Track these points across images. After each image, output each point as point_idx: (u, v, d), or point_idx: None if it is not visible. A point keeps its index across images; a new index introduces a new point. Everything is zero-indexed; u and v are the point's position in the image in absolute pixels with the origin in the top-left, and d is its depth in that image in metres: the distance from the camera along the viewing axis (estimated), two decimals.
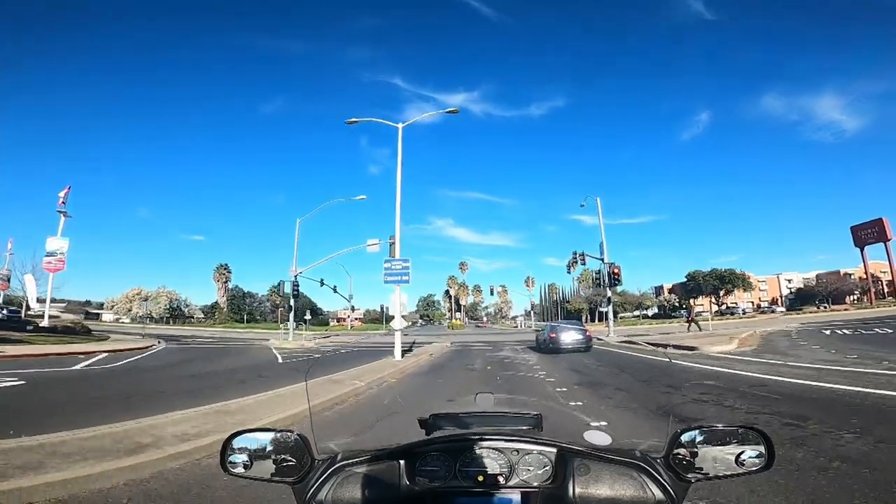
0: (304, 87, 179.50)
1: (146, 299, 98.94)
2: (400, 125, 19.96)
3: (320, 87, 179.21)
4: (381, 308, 77.46)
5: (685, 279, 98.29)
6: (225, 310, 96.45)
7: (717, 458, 1.23)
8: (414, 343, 30.53)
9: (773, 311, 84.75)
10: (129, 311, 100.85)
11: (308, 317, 65.74)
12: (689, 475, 1.22)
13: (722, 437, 1.26)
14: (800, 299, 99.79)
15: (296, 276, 34.04)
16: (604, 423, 6.07)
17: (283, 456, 1.28)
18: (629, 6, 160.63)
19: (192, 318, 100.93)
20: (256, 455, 1.30)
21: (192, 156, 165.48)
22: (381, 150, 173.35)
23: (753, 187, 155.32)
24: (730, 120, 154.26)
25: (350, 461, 1.28)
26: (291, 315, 34.18)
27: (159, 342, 28.80)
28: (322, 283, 64.74)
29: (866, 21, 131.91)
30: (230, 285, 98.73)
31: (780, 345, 17.41)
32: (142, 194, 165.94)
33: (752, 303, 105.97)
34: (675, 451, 1.24)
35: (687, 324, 31.19)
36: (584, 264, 35.46)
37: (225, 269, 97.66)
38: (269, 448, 1.30)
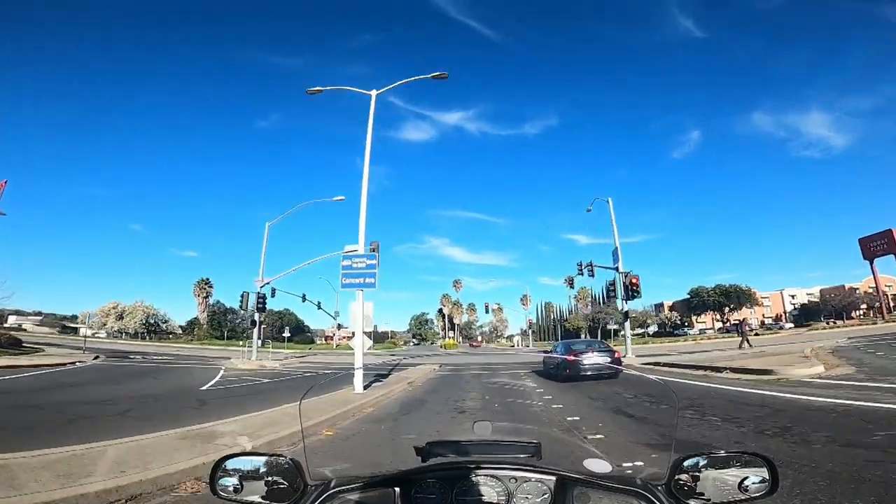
0: (298, 102, 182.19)
1: (122, 315, 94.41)
2: (373, 92, 16.15)
3: (315, 103, 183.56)
4: (374, 327, 72.48)
5: (688, 296, 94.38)
6: (205, 326, 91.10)
7: (720, 484, 1.21)
8: (397, 365, 26.03)
9: (780, 328, 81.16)
10: (104, 325, 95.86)
11: (287, 334, 61.16)
12: (691, 502, 1.18)
13: (724, 463, 1.23)
14: (804, 315, 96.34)
15: (262, 287, 29.50)
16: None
17: (275, 479, 1.26)
18: (621, 26, 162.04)
19: (171, 334, 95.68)
20: (248, 478, 1.26)
21: (186, 171, 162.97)
22: (379, 168, 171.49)
23: (747, 205, 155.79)
24: (720, 137, 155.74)
25: (344, 487, 1.25)
26: (256, 332, 29.55)
27: (96, 357, 25.78)
28: (304, 299, 60.14)
29: (855, 37, 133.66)
30: (211, 301, 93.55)
31: (880, 363, 13.06)
32: (134, 209, 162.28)
33: (755, 319, 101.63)
34: (677, 477, 1.21)
35: (740, 340, 26.98)
36: (591, 275, 31.21)
37: (206, 283, 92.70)
38: (261, 471, 1.27)
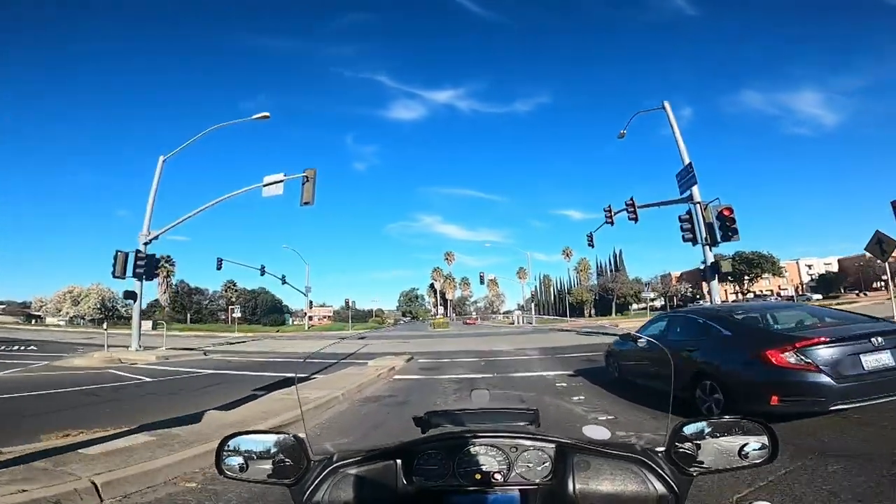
0: (286, 83, 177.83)
1: (78, 300, 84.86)
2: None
3: (303, 83, 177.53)
4: (347, 303, 62.98)
5: (702, 263, 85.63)
6: (166, 308, 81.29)
7: (720, 450, 1.21)
8: (353, 354, 16.81)
9: (807, 299, 73.47)
10: (59, 311, 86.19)
11: (237, 314, 51.40)
12: (692, 468, 1.19)
13: (724, 429, 1.23)
14: (823, 286, 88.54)
15: (147, 244, 19.66)
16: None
17: (279, 457, 1.26)
18: (613, 4, 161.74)
19: (130, 318, 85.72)
20: (252, 457, 1.27)
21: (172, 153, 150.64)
22: (366, 148, 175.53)
23: (741, 178, 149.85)
24: (711, 115, 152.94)
25: (346, 461, 1.26)
26: (136, 309, 19.93)
27: None
28: (263, 272, 50.38)
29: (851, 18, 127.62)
30: (174, 280, 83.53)
31: None
32: (122, 195, 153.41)
33: (772, 290, 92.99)
34: (677, 444, 1.21)
35: None
36: (634, 219, 21.63)
37: (167, 261, 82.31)
38: (265, 450, 1.27)
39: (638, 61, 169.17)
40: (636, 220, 21.90)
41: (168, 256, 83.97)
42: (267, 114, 20.88)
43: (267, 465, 1.26)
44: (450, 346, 21.96)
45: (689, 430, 1.23)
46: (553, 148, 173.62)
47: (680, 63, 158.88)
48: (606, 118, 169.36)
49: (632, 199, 22.86)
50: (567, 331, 30.16)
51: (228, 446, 1.29)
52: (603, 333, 25.57)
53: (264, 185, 19.86)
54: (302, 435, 1.30)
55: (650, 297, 38.53)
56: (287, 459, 1.25)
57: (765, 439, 1.21)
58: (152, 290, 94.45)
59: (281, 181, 19.63)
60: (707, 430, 1.22)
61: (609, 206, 26.53)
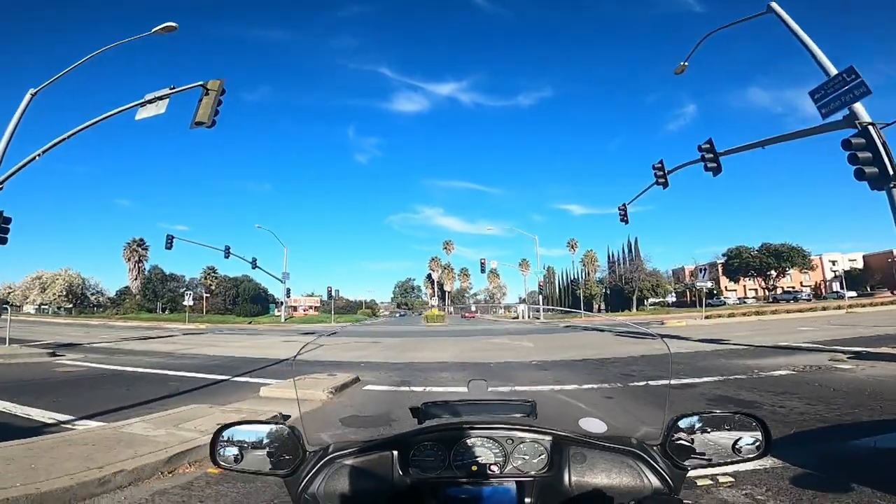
0: (288, 76, 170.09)
1: (45, 288, 78.29)
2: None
3: (305, 76, 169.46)
4: (329, 292, 55.66)
5: (723, 257, 78.12)
6: (137, 296, 74.31)
7: (714, 445, 1.20)
8: (250, 371, 9.49)
9: (840, 297, 66.48)
10: (26, 299, 79.61)
11: (187, 303, 44.03)
12: (686, 462, 1.18)
13: (719, 423, 1.23)
14: (848, 283, 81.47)
15: None
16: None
17: (274, 448, 1.24)
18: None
19: (99, 307, 79.30)
20: (247, 447, 1.24)
21: (173, 146, 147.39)
22: (368, 140, 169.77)
23: (752, 176, 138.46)
24: (716, 111, 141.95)
25: (342, 452, 1.24)
26: None
27: None
28: (228, 254, 43.36)
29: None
30: (146, 266, 76.46)
31: None
32: (122, 184, 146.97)
33: (793, 287, 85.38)
34: (672, 438, 1.21)
35: None
36: (715, 168, 14.50)
37: (139, 244, 75.55)
38: (260, 440, 1.25)
39: (642, 57, 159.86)
40: (718, 169, 14.67)
41: (141, 239, 77.19)
42: (174, 24, 13.72)
43: (262, 456, 1.23)
44: (435, 353, 14.76)
45: (685, 423, 1.22)
46: (555, 142, 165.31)
47: (684, 58, 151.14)
48: (609, 113, 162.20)
49: (709, 141, 15.67)
50: (596, 329, 23.02)
51: (223, 437, 1.26)
52: (650, 335, 18.39)
53: (142, 105, 12.65)
54: (297, 425, 1.27)
55: (707, 286, 31.20)
56: (282, 450, 1.23)
57: (758, 434, 1.20)
58: (122, 277, 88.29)
59: (166, 95, 12.43)
60: (701, 423, 1.22)
61: (661, 162, 19.45)
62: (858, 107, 10.46)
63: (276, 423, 1.29)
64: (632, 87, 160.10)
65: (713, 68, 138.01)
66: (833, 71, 11.44)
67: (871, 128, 10.34)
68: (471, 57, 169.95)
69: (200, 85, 12.27)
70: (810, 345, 12.42)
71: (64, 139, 13.43)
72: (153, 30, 14.21)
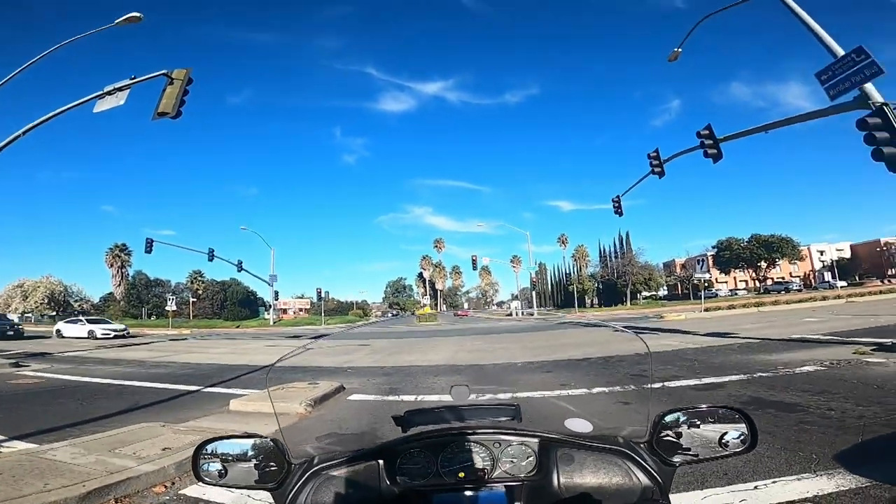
0: (273, 77, 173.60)
1: (27, 295, 76.53)
2: None
3: (291, 76, 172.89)
4: (319, 293, 54.42)
5: (714, 248, 78.01)
6: (121, 302, 72.49)
7: (701, 440, 1.20)
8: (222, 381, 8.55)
9: (830, 287, 66.68)
10: (9, 308, 77.47)
11: (170, 308, 42.64)
12: (674, 459, 1.18)
13: (705, 418, 1.22)
14: (838, 273, 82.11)
15: None
16: None
17: (259, 462, 1.21)
18: None
19: (82, 313, 77.28)
20: (231, 461, 1.22)
21: (158, 149, 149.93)
22: (355, 140, 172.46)
23: (740, 168, 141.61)
24: (700, 106, 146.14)
25: (327, 464, 1.22)
26: None
27: None
28: (211, 257, 42.12)
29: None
30: (130, 271, 74.63)
31: None
32: (107, 190, 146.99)
33: (783, 278, 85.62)
34: (659, 434, 1.20)
35: None
36: (713, 155, 13.84)
37: (121, 250, 73.67)
38: (244, 454, 1.23)
39: (628, 54, 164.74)
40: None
41: (124, 244, 75.22)
42: (139, 14, 12.70)
43: (247, 470, 1.21)
44: (427, 356, 13.88)
45: (670, 419, 1.20)
46: (542, 139, 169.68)
47: (669, 52, 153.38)
48: (596, 109, 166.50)
49: (708, 126, 14.96)
50: (592, 325, 22.28)
51: (206, 451, 1.23)
52: (649, 330, 17.68)
53: (103, 97, 11.61)
54: (280, 438, 1.24)
55: (706, 277, 30.48)
56: (267, 463, 1.20)
57: (744, 428, 1.19)
58: (106, 283, 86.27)
59: (127, 86, 11.42)
60: (688, 419, 1.20)
61: (657, 151, 18.73)
62: (870, 87, 9.79)
63: (259, 436, 1.25)
64: (618, 83, 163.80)
65: (698, 66, 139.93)
66: (839, 52, 10.75)
67: (885, 108, 9.68)
68: (457, 55, 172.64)
69: (164, 74, 11.24)
70: (826, 337, 11.73)
71: (12, 141, 12.32)
72: (116, 21, 13.17)
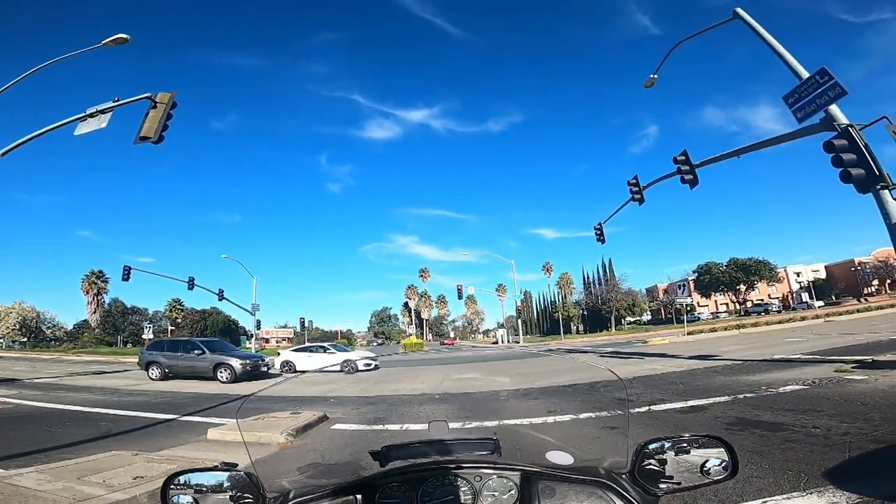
0: (258, 101, 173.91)
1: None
2: None
3: (276, 101, 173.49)
4: (302, 322, 53.48)
5: (694, 273, 79.30)
6: (97, 329, 70.09)
7: (683, 469, 1.19)
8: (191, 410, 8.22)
9: (808, 307, 68.05)
10: None
11: (146, 336, 41.36)
12: (656, 488, 1.17)
13: (686, 447, 1.22)
14: (814, 293, 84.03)
15: None
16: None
17: (233, 494, 1.18)
18: (581, 23, 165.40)
19: (55, 340, 74.71)
20: (204, 493, 1.18)
21: (139, 174, 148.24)
22: (341, 168, 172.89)
23: (717, 192, 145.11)
24: (676, 131, 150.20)
25: (303, 498, 1.19)
26: None
27: None
28: (192, 286, 41.19)
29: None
30: (106, 298, 72.49)
31: None
32: (84, 216, 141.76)
33: (762, 300, 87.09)
34: (641, 464, 1.19)
35: None
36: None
37: (98, 277, 71.61)
38: (219, 485, 1.20)
39: (606, 79, 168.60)
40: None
41: (101, 272, 73.24)
42: (126, 36, 12.85)
43: (218, 502, 1.17)
44: (413, 384, 13.62)
45: (652, 447, 1.20)
46: (525, 167, 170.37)
47: (646, 78, 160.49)
48: (577, 135, 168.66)
49: (685, 152, 15.44)
50: (578, 351, 22.19)
51: (178, 481, 1.19)
52: (635, 355, 17.70)
53: (84, 118, 11.54)
54: (252, 471, 1.22)
55: (687, 302, 30.79)
56: (242, 496, 1.17)
57: (724, 455, 1.20)
58: (81, 310, 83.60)
59: (109, 109, 11.38)
60: (667, 446, 1.20)
61: (636, 178, 19.16)
62: (835, 109, 10.22)
63: (231, 469, 1.21)
64: (596, 108, 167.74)
65: (674, 91, 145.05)
66: (805, 74, 11.26)
67: (850, 129, 10.10)
68: (442, 83, 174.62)
69: (147, 97, 11.21)
70: (806, 356, 11.88)
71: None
72: (104, 41, 13.26)
